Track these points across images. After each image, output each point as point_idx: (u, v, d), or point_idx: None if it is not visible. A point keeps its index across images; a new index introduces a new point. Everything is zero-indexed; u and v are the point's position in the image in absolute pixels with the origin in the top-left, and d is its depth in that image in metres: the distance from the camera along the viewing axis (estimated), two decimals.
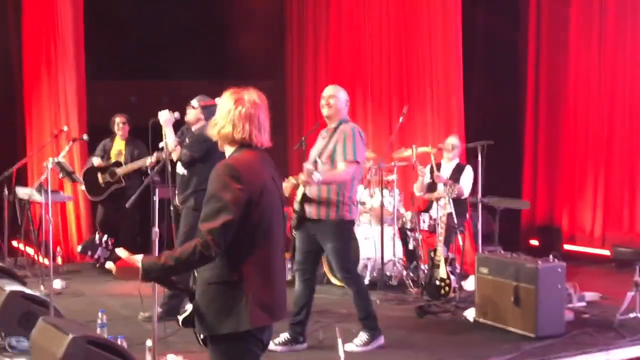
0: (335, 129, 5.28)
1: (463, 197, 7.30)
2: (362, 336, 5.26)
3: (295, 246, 5.52)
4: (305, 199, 5.20)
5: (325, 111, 5.33)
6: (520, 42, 10.49)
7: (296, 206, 5.27)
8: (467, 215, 7.51)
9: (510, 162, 10.27)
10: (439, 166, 7.56)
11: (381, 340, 5.31)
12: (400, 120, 7.55)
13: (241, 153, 3.07)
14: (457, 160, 7.64)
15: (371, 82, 9.82)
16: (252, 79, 10.65)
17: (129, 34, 10.10)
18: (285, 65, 11.52)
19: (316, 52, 10.82)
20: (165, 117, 5.82)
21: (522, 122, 10.45)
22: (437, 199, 6.79)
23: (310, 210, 5.18)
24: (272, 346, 5.00)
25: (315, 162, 5.23)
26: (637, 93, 9.01)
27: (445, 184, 6.85)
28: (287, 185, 5.15)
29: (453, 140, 7.65)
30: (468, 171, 7.50)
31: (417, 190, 7.61)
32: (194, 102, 6.01)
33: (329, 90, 5.40)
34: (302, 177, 5.11)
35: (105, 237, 3.16)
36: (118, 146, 8.50)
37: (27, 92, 9.50)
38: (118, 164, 8.23)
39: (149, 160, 6.61)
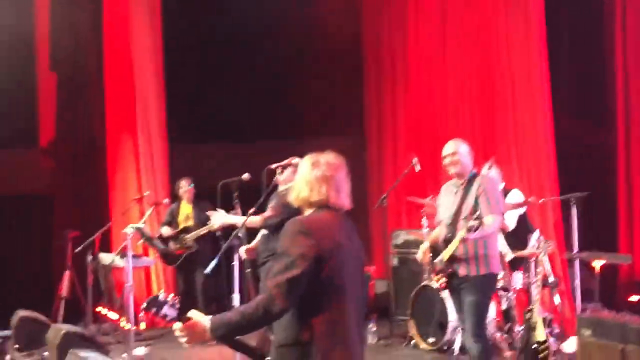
0: (469, 181, 5.20)
1: (509, 230, 6.83)
2: None
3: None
4: (453, 258, 5.06)
5: (452, 170, 5.28)
6: (608, 81, 10.05)
7: (442, 266, 5.13)
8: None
9: (604, 214, 9.77)
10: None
11: None
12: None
13: (317, 213, 3.05)
14: (501, 186, 6.88)
15: (452, 134, 9.57)
16: (330, 136, 10.78)
17: (209, 96, 10.21)
18: (364, 122, 11.41)
19: (394, 107, 10.67)
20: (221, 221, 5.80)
21: (613, 171, 9.95)
22: (531, 256, 6.41)
23: (460, 268, 5.06)
24: None
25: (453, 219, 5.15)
26: None
27: (538, 240, 6.47)
28: (422, 248, 5.29)
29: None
30: (513, 193, 6.99)
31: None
32: (296, 160, 5.84)
33: (449, 148, 5.34)
34: (462, 233, 4.98)
35: (170, 295, 3.06)
36: (185, 210, 8.43)
37: (110, 156, 9.65)
38: (187, 229, 8.15)
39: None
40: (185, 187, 8.44)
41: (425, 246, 5.32)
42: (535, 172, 8.21)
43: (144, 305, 3.08)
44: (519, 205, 6.90)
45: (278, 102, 10.80)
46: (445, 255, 5.08)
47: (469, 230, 4.94)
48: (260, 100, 10.58)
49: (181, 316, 3.01)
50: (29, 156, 10.20)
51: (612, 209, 9.84)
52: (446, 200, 5.33)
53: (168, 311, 3.06)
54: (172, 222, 8.40)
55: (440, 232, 5.33)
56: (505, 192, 7.10)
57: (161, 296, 3.06)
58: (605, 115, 9.98)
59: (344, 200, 3.10)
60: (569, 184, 7.54)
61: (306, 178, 3.07)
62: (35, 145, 10.32)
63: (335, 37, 10.72)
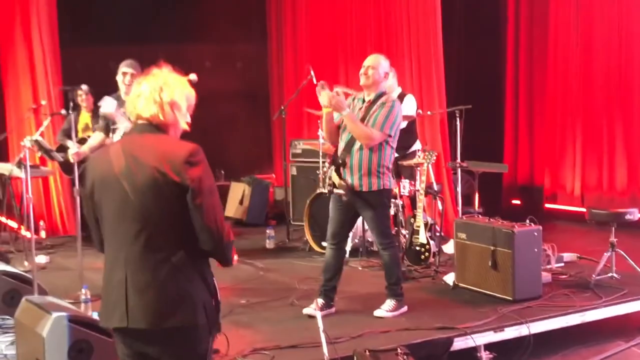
0: (375, 100, 5.29)
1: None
2: (390, 302, 5.35)
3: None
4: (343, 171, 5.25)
5: (362, 80, 5.32)
6: (501, 2, 10.47)
7: (333, 177, 5.30)
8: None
9: (492, 124, 10.35)
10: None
11: (405, 307, 5.42)
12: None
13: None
14: (398, 90, 7.30)
15: (350, 44, 9.82)
16: (230, 42, 10.76)
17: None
18: (266, 29, 11.45)
19: (294, 17, 10.77)
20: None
21: (502, 83, 10.51)
22: (417, 165, 6.83)
23: (353, 182, 5.22)
24: (309, 311, 5.17)
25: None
26: (616, 52, 9.05)
27: (423, 150, 6.88)
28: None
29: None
30: (409, 100, 7.29)
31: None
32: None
33: (369, 60, 5.36)
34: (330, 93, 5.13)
35: None
36: (84, 120, 8.21)
37: (3, 63, 9.42)
38: (84, 140, 7.93)
39: None
40: (83, 95, 8.24)
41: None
42: (427, 86, 8.57)
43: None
44: (408, 118, 7.27)
45: (181, 5, 10.64)
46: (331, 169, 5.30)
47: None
48: (159, 2, 10.37)
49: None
50: None
51: (499, 122, 10.46)
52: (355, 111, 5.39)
53: None
54: (70, 131, 8.26)
55: (340, 142, 5.39)
56: (402, 96, 7.45)
57: None
58: (495, 35, 10.45)
59: None
60: (459, 99, 7.89)
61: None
62: None
63: None
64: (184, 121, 2.89)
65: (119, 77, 6.24)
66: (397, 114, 5.24)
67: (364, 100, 5.38)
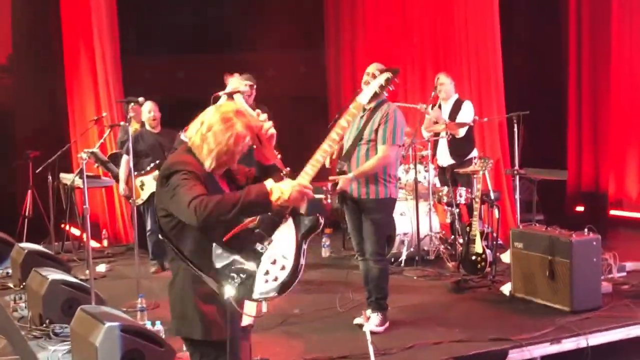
0: (375, 108, 5.19)
1: (458, 135, 7.20)
2: (377, 317, 5.22)
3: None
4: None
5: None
6: (563, 6, 10.25)
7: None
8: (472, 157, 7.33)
9: (555, 130, 10.12)
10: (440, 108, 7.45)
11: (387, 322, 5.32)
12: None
13: None
14: (455, 97, 7.42)
15: (407, 53, 9.75)
16: (290, 49, 10.79)
17: (162, 9, 10.07)
18: (324, 36, 11.47)
19: (353, 20, 10.75)
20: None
21: (564, 89, 10.27)
22: (473, 173, 6.73)
23: (359, 190, 5.15)
24: (361, 321, 4.90)
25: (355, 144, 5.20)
26: None
27: (480, 158, 6.77)
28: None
29: (441, 79, 7.42)
30: (466, 107, 7.31)
31: (425, 130, 7.52)
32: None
33: (371, 68, 5.31)
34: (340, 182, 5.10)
35: None
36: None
37: (68, 77, 9.69)
38: (115, 155, 7.94)
39: None
40: (131, 106, 8.37)
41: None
42: (485, 94, 8.44)
43: None
44: (464, 125, 7.19)
45: (236, 15, 10.75)
46: (343, 185, 5.12)
47: (346, 182, 5.06)
48: (221, 13, 10.50)
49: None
50: None
51: (563, 128, 10.23)
52: (354, 126, 5.29)
53: None
54: (125, 141, 8.42)
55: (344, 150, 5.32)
56: (459, 102, 7.40)
57: None
58: (558, 41, 10.26)
59: None
60: (521, 104, 7.73)
61: None
62: None
63: None
64: (208, 161, 2.95)
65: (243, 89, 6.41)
66: (399, 122, 5.17)
67: (364, 110, 5.22)
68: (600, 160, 9.98)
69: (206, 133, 2.94)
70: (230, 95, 6.07)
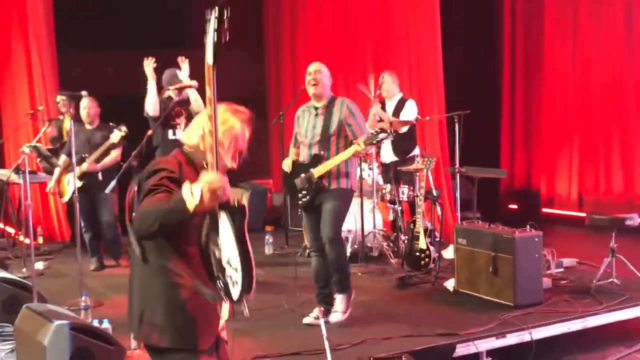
0: (329, 104, 5.32)
1: (401, 132, 7.28)
2: (342, 302, 5.31)
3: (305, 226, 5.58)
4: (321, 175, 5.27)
5: (312, 90, 5.34)
6: (498, 9, 10.51)
7: (303, 184, 5.31)
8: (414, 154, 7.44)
9: (488, 130, 10.36)
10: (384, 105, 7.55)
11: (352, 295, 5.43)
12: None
13: None
14: (399, 95, 7.54)
15: (349, 50, 9.80)
16: (226, 49, 10.72)
17: (97, 3, 9.85)
18: (263, 35, 11.41)
19: (293, 19, 10.74)
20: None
21: (499, 89, 10.53)
22: (416, 171, 6.83)
23: (330, 182, 5.28)
24: (310, 320, 5.19)
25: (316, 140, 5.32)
26: (612, 57, 9.08)
27: (422, 156, 6.87)
28: (287, 162, 5.44)
29: (385, 77, 7.50)
30: (409, 105, 7.42)
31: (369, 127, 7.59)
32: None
33: (314, 66, 5.40)
34: (353, 149, 5.22)
35: None
36: (66, 126, 8.05)
37: (0, 67, 9.39)
38: (53, 150, 7.80)
39: (119, 135, 6.56)
40: (60, 101, 8.18)
41: (289, 161, 5.45)
42: (426, 92, 8.57)
43: None
44: (408, 123, 7.28)
45: (173, 10, 10.57)
46: (321, 169, 5.25)
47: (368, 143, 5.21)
48: (152, 7, 10.31)
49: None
50: None
51: (496, 127, 10.49)
52: (304, 122, 5.43)
53: None
54: (58, 138, 8.27)
55: (302, 151, 5.44)
56: (403, 101, 7.48)
57: None
58: (493, 42, 10.50)
59: None
60: (457, 104, 7.88)
61: None
62: None
63: None
64: (228, 159, 2.86)
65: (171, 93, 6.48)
66: (361, 114, 5.44)
67: (315, 108, 5.37)
68: (533, 160, 10.28)
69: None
70: (180, 90, 6.03)
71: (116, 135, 6.69)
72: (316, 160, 5.30)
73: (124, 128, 6.77)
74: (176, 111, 6.56)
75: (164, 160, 2.86)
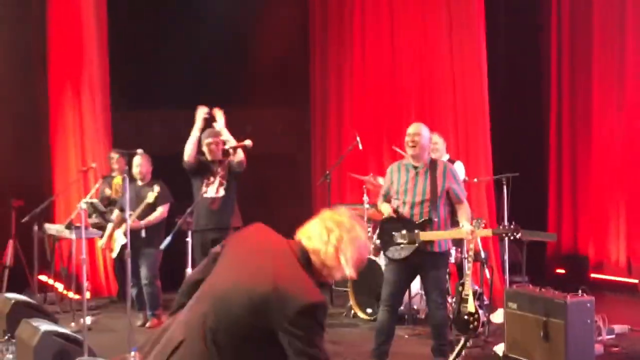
0: (431, 166, 5.53)
1: None
2: None
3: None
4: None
5: (411, 151, 5.54)
6: (544, 72, 10.53)
7: (404, 239, 5.46)
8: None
9: (535, 193, 10.26)
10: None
11: None
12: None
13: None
14: (446, 157, 7.43)
15: (395, 111, 9.88)
16: (273, 106, 10.86)
17: (153, 63, 10.11)
18: (310, 93, 11.57)
19: (339, 83, 10.88)
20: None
21: (546, 152, 10.47)
22: None
23: (432, 245, 5.46)
24: None
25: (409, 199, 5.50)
26: None
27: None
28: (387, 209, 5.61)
29: (434, 139, 7.52)
30: (458, 167, 7.33)
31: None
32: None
33: (413, 129, 5.61)
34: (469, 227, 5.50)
35: None
36: (117, 182, 8.27)
37: (53, 124, 9.63)
38: (114, 201, 8.00)
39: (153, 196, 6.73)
40: (114, 158, 8.39)
41: (389, 209, 5.57)
42: (473, 153, 8.58)
43: None
44: None
45: (224, 70, 10.79)
46: (429, 236, 5.41)
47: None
48: (205, 68, 10.53)
49: None
50: None
51: (543, 190, 10.39)
52: (402, 179, 5.57)
53: None
54: (107, 195, 8.42)
55: (403, 210, 5.53)
56: (451, 162, 7.47)
57: None
58: (540, 103, 10.50)
59: None
60: (503, 165, 7.90)
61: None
62: None
63: (283, 11, 10.88)
64: (348, 269, 2.76)
65: (204, 148, 6.77)
66: (458, 175, 5.77)
67: (414, 167, 5.50)
68: (580, 223, 10.12)
69: (339, 245, 2.75)
70: (235, 148, 6.26)
71: (151, 195, 6.89)
72: (426, 223, 5.44)
73: (156, 188, 6.99)
74: (213, 171, 6.74)
75: (310, 289, 2.64)
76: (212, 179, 6.69)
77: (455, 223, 5.80)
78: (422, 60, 9.43)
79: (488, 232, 5.70)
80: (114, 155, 8.41)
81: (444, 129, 8.65)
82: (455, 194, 5.51)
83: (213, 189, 6.72)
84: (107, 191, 8.32)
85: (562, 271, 10.29)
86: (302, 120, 11.61)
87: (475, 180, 7.89)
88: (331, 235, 2.73)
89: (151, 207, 7.17)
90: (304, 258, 2.74)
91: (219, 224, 6.73)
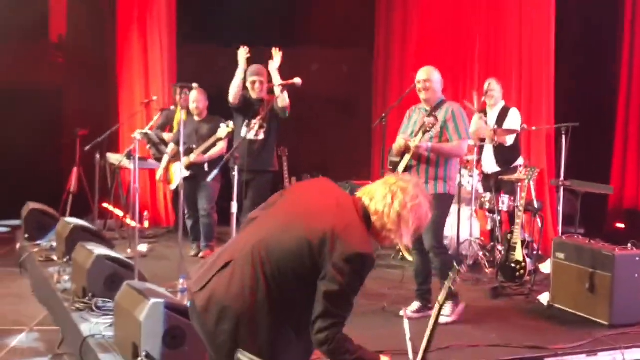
0: (437, 107, 5.46)
1: (507, 144, 7.22)
2: (447, 306, 5.30)
3: None
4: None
5: (423, 95, 5.52)
6: (617, 23, 10.14)
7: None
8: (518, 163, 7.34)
9: (601, 145, 10.02)
10: (485, 114, 7.44)
11: (463, 305, 5.48)
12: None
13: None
14: (502, 104, 7.42)
15: (459, 55, 9.73)
16: (339, 46, 10.77)
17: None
18: (374, 36, 11.45)
19: (405, 22, 10.73)
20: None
21: (614, 103, 10.16)
22: (517, 181, 6.71)
23: (428, 185, 5.34)
24: (409, 314, 5.22)
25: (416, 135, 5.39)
26: None
27: (525, 166, 6.76)
28: (397, 145, 5.49)
29: (492, 85, 7.40)
30: (513, 114, 7.30)
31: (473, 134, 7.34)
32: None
33: (423, 74, 5.54)
34: (415, 141, 5.30)
35: None
36: (178, 117, 8.27)
37: (120, 57, 9.84)
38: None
39: (226, 131, 6.74)
40: (179, 93, 8.36)
41: (399, 143, 5.51)
42: (536, 101, 8.41)
43: None
44: (513, 132, 7.17)
45: (287, 9, 10.74)
46: (402, 164, 5.41)
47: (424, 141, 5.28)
48: (269, 5, 10.50)
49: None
50: (39, 49, 10.26)
51: (609, 143, 10.12)
52: (412, 120, 5.62)
53: None
54: (165, 125, 8.58)
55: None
56: (505, 109, 7.38)
57: None
58: (609, 57, 10.14)
59: None
60: (568, 117, 7.70)
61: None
62: (46, 39, 10.40)
63: None
64: (407, 237, 2.86)
65: (248, 85, 6.72)
66: (466, 119, 5.51)
67: (426, 110, 5.53)
68: None
69: (402, 211, 2.82)
70: (283, 86, 6.24)
71: (223, 130, 6.85)
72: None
73: (231, 124, 6.92)
74: (257, 112, 6.74)
75: (364, 242, 2.76)
76: (253, 121, 6.56)
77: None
78: (488, 4, 9.21)
79: (416, 141, 5.27)
80: (177, 89, 8.53)
81: (507, 75, 8.51)
82: (448, 132, 5.36)
83: (253, 132, 6.70)
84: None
85: (622, 226, 10.08)
86: (366, 61, 11.53)
87: (534, 128, 7.76)
88: (395, 201, 2.81)
89: (214, 142, 7.27)
90: (365, 216, 2.84)
91: (252, 166, 6.63)
